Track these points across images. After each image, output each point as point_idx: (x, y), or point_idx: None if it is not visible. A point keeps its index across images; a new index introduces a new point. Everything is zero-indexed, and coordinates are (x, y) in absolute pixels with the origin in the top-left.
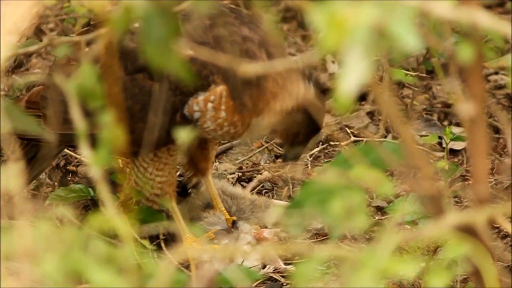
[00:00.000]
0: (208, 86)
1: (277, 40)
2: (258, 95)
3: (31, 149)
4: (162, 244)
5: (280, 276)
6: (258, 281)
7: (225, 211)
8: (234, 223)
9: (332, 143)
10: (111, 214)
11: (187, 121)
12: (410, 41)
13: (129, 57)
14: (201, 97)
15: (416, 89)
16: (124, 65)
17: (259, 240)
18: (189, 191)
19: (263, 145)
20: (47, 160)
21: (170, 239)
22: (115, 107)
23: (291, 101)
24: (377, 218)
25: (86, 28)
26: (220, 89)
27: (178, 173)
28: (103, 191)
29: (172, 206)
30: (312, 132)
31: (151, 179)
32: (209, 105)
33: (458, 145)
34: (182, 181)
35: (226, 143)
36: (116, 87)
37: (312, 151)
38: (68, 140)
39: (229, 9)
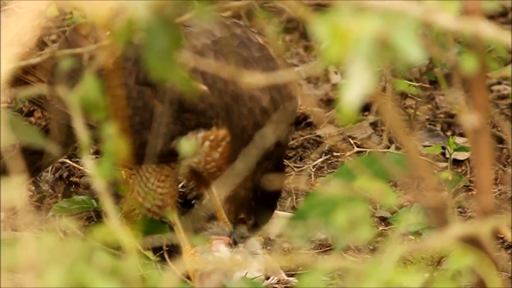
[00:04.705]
0: (210, 126)
1: (279, 53)
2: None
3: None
4: (166, 256)
5: (284, 287)
6: None
7: (228, 222)
8: None
9: (335, 153)
10: (115, 226)
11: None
12: (413, 51)
13: (144, 67)
14: (201, 133)
15: (419, 99)
16: (136, 72)
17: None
18: (192, 202)
19: None
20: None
21: (174, 250)
22: (119, 118)
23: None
24: (381, 228)
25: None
26: (223, 132)
27: (180, 184)
28: (106, 203)
29: (174, 217)
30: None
31: (153, 189)
32: (206, 143)
33: (461, 156)
34: (185, 192)
35: None
36: (119, 100)
37: (316, 162)
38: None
39: (231, 21)
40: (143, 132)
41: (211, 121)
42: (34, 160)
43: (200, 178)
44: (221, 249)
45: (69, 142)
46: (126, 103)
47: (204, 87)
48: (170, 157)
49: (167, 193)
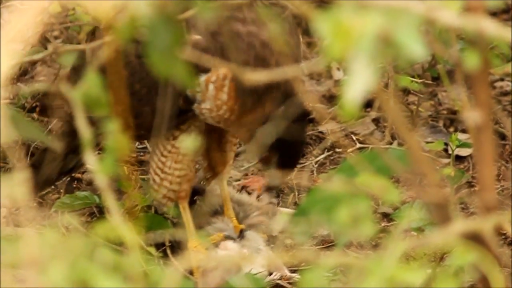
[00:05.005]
0: (208, 69)
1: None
2: (257, 104)
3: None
4: (168, 251)
5: (287, 283)
6: None
7: (234, 218)
8: (241, 232)
9: (337, 150)
10: (117, 222)
11: (190, 103)
12: (416, 48)
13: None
14: (202, 77)
15: (421, 95)
16: (135, 48)
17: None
18: (195, 198)
19: None
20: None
21: (176, 246)
22: (120, 102)
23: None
24: (383, 225)
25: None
26: (223, 71)
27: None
28: (109, 199)
29: (184, 206)
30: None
31: (170, 173)
32: (211, 86)
33: (464, 152)
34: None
35: None
36: (122, 94)
37: (318, 158)
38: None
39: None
40: (152, 100)
41: (208, 64)
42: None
43: (215, 170)
44: (229, 247)
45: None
46: (132, 79)
47: (197, 37)
48: (182, 115)
49: (184, 175)
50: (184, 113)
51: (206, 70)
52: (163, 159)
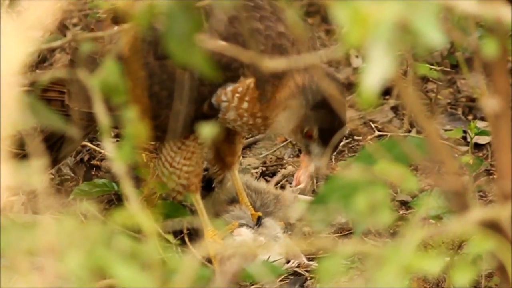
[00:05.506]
0: (237, 78)
1: (302, 34)
2: (278, 88)
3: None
4: (186, 239)
5: (304, 270)
6: (282, 276)
7: (250, 206)
8: (259, 219)
9: (356, 137)
10: (135, 209)
11: (214, 110)
12: (434, 36)
13: (160, 41)
14: (229, 87)
15: (440, 83)
16: (154, 49)
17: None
18: (213, 185)
19: (286, 140)
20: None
21: (194, 233)
22: (138, 102)
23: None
24: (401, 212)
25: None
26: (249, 81)
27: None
28: (127, 186)
29: (196, 198)
30: (334, 128)
31: (178, 168)
32: (236, 95)
33: (483, 140)
34: (206, 176)
35: (250, 137)
36: (139, 83)
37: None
38: (93, 119)
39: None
40: (172, 103)
41: (237, 73)
42: (57, 149)
43: (224, 161)
44: (243, 233)
45: (89, 126)
46: (151, 81)
47: (222, 43)
48: (205, 119)
49: (192, 171)
50: (207, 118)
51: (233, 80)
52: (172, 154)
